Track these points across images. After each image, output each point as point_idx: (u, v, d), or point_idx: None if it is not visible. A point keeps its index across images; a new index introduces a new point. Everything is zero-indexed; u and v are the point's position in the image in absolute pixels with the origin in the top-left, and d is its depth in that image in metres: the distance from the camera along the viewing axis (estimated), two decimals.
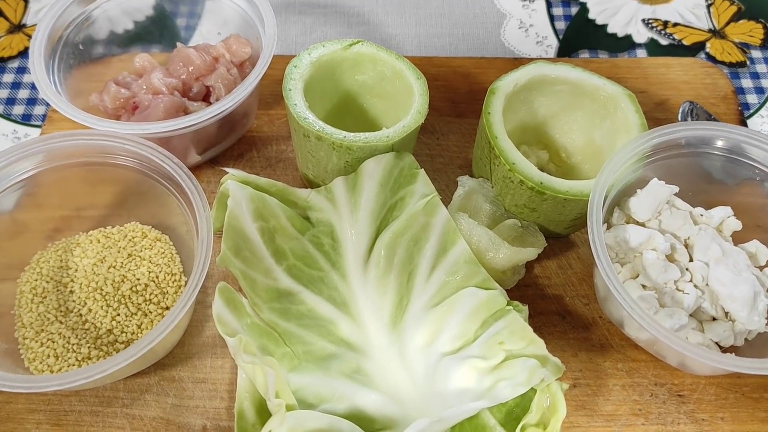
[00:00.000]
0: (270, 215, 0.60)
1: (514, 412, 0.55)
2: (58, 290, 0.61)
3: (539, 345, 0.55)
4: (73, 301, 0.61)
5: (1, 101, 0.82)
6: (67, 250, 0.64)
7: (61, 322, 0.60)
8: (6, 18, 0.89)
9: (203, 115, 0.63)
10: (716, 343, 0.59)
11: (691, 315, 0.60)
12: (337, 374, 0.56)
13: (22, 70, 0.85)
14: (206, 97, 0.71)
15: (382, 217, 0.61)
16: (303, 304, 0.59)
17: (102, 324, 0.60)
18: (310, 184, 0.69)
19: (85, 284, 0.61)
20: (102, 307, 0.60)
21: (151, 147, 0.60)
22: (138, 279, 0.62)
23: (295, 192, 0.63)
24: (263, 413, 0.54)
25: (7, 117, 0.81)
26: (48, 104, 0.81)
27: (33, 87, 0.83)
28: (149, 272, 0.62)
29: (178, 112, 0.67)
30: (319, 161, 0.64)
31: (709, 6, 0.92)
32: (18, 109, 0.81)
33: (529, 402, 0.54)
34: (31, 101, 0.82)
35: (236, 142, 0.73)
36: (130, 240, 0.65)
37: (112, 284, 0.61)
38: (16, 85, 0.83)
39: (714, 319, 0.60)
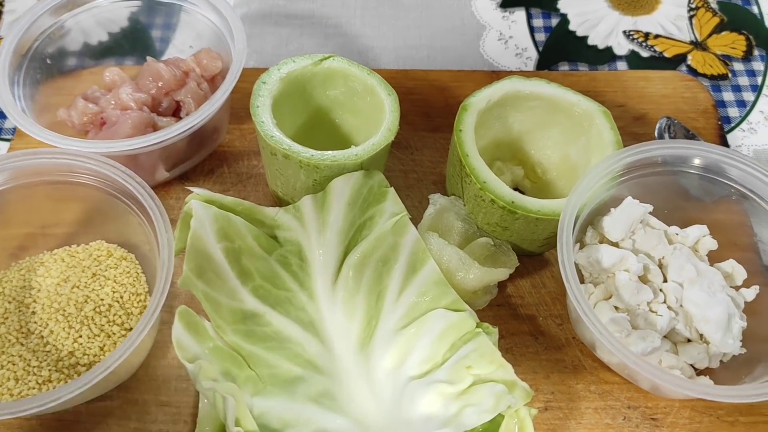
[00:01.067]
0: (235, 235, 0.59)
1: None
2: (19, 311, 0.60)
3: (507, 370, 0.54)
4: (35, 322, 0.59)
5: None
6: (30, 270, 0.62)
7: (21, 344, 0.58)
8: None
9: (170, 132, 0.62)
10: (691, 365, 0.58)
11: (665, 337, 0.59)
12: (302, 398, 0.55)
13: None
14: (176, 112, 0.70)
15: (351, 236, 0.60)
16: (269, 325, 0.57)
17: (63, 346, 0.58)
18: (280, 201, 0.68)
19: (48, 305, 0.60)
20: (64, 328, 0.59)
21: (114, 166, 0.59)
22: (102, 299, 0.61)
23: (263, 211, 0.62)
24: None
25: None
26: None
27: None
28: (113, 292, 0.61)
29: (146, 127, 0.66)
30: (287, 179, 0.63)
31: (691, 17, 0.91)
32: None
33: (497, 426, 0.53)
34: (2, 115, 0.81)
35: (207, 158, 0.72)
36: (95, 259, 0.63)
37: (75, 305, 0.60)
38: None
39: (689, 340, 0.59)
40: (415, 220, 0.60)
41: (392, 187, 0.61)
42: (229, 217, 0.59)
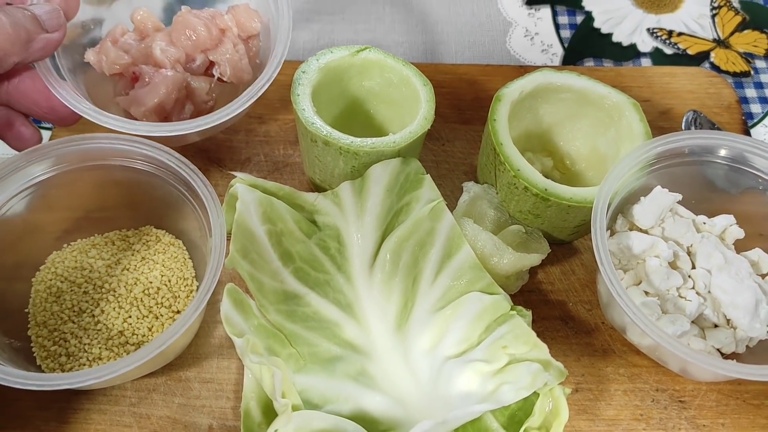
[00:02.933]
0: (277, 218, 0.61)
1: (516, 416, 0.55)
2: (72, 290, 0.62)
3: (542, 349, 0.56)
4: (86, 301, 0.61)
5: None
6: (82, 251, 0.64)
7: (74, 322, 0.60)
8: None
9: (209, 121, 0.61)
10: (718, 349, 0.60)
11: (693, 322, 0.60)
12: (341, 376, 0.57)
13: None
14: (208, 70, 0.68)
15: (388, 221, 0.62)
16: (309, 306, 0.59)
17: (114, 325, 0.60)
18: (317, 188, 0.70)
19: (99, 285, 0.62)
20: (114, 308, 0.61)
21: (168, 152, 0.60)
22: (151, 282, 0.62)
23: (302, 196, 0.64)
24: (269, 413, 0.54)
25: None
26: None
27: None
28: (162, 276, 0.63)
29: (179, 91, 0.65)
30: (326, 166, 0.65)
31: (713, 16, 0.93)
32: None
33: (532, 406, 0.55)
34: None
35: (244, 146, 0.74)
36: (144, 243, 0.65)
37: (125, 286, 0.62)
38: None
39: (716, 326, 0.61)
40: (449, 209, 0.62)
41: (428, 174, 0.63)
42: (272, 201, 0.61)
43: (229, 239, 0.59)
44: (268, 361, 0.53)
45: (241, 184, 0.61)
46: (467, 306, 0.58)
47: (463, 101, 0.78)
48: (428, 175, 0.63)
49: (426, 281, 0.60)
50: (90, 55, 0.67)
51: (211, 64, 0.68)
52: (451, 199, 0.70)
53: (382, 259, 0.60)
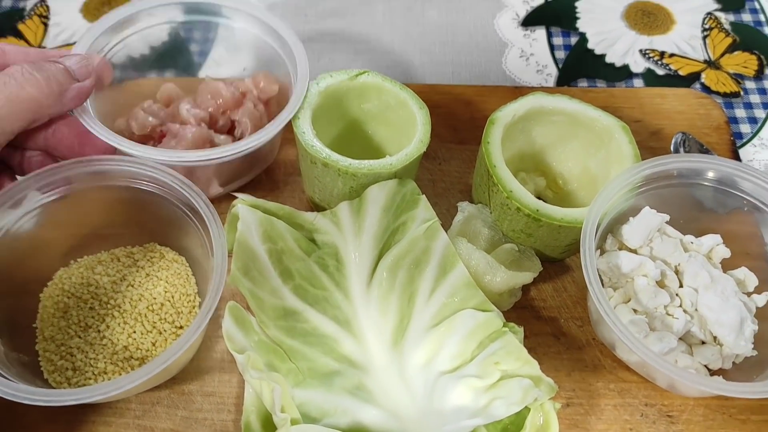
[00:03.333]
0: (278, 237, 0.63)
1: (508, 430, 0.57)
2: (78, 306, 0.64)
3: (533, 366, 0.58)
4: (93, 317, 0.63)
5: None
6: (89, 268, 0.66)
7: (80, 337, 0.62)
8: (26, 41, 0.93)
9: (235, 148, 0.64)
10: (705, 365, 0.62)
11: (680, 339, 0.62)
12: (339, 390, 0.59)
13: None
14: (230, 131, 0.73)
15: (385, 240, 0.64)
16: (307, 322, 0.61)
17: (119, 341, 0.62)
18: (316, 207, 0.72)
19: (105, 302, 0.64)
20: (119, 324, 0.63)
21: (173, 175, 0.62)
22: (154, 298, 0.64)
23: (302, 215, 0.66)
24: (268, 426, 0.56)
25: None
26: None
27: None
28: (165, 292, 0.65)
29: (205, 143, 0.68)
30: (325, 186, 0.67)
31: (704, 37, 0.95)
32: None
33: (523, 420, 0.57)
34: None
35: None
36: (149, 260, 0.67)
37: (129, 302, 0.64)
38: None
39: (703, 342, 0.63)
40: (444, 227, 0.64)
41: (424, 195, 0.65)
42: (272, 220, 0.63)
43: (230, 257, 0.61)
44: (268, 376, 0.55)
45: (243, 204, 0.63)
46: (461, 323, 0.60)
47: (459, 121, 0.80)
48: (423, 195, 0.65)
49: (421, 298, 0.62)
50: (120, 123, 0.71)
51: (233, 125, 0.72)
52: (447, 217, 0.72)
53: (379, 277, 0.62)
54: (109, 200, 0.66)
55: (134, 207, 0.65)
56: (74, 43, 0.91)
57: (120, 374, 0.61)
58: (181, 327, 0.64)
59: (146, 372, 0.53)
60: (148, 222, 0.67)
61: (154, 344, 0.63)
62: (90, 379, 0.61)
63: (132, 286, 0.65)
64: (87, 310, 0.64)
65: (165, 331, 0.63)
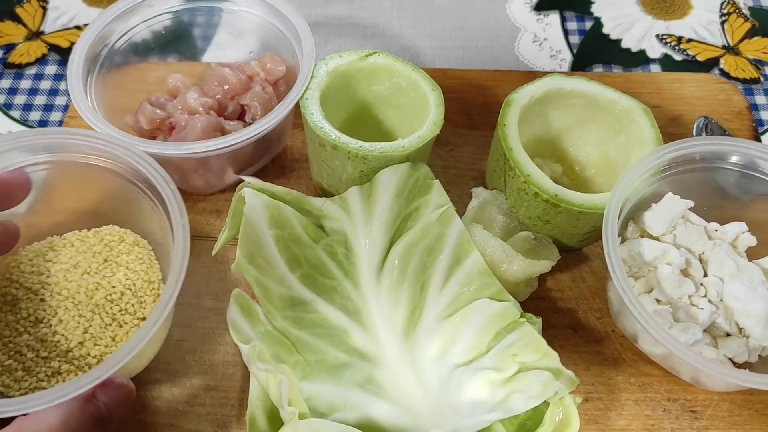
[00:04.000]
0: (285, 223, 0.61)
1: (526, 425, 0.55)
2: (28, 298, 0.58)
3: (553, 358, 0.55)
4: (44, 310, 0.57)
5: (18, 107, 0.83)
6: (39, 254, 0.60)
7: (29, 334, 0.56)
8: (24, 25, 0.90)
9: (244, 135, 0.62)
10: (730, 359, 0.59)
11: (705, 330, 0.59)
12: (349, 384, 0.56)
13: (39, 76, 0.86)
14: (241, 116, 0.71)
15: (397, 227, 0.61)
16: (316, 312, 0.59)
17: (74, 336, 0.56)
18: (325, 193, 0.69)
19: (57, 292, 0.58)
20: (74, 317, 0.57)
21: (127, 147, 0.57)
22: (113, 287, 0.59)
23: (310, 201, 0.63)
24: (274, 421, 0.54)
25: (24, 122, 0.82)
26: (64, 110, 0.82)
27: (50, 93, 0.84)
28: (126, 279, 0.60)
29: (215, 131, 0.67)
30: (334, 170, 0.64)
31: (723, 22, 0.92)
32: (35, 115, 0.82)
33: (542, 415, 0.54)
34: (48, 107, 0.83)
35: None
36: (106, 244, 0.62)
37: (85, 292, 0.58)
38: (33, 92, 0.84)
39: (728, 334, 0.60)
40: (457, 214, 0.61)
41: (437, 180, 0.62)
42: (279, 205, 0.61)
43: (235, 244, 0.58)
44: (275, 368, 0.53)
45: (249, 188, 0.60)
46: (476, 313, 0.57)
47: (471, 106, 0.78)
48: (437, 180, 0.62)
49: (434, 288, 0.59)
50: (128, 119, 0.69)
51: (243, 110, 0.70)
52: (460, 204, 0.69)
53: (390, 265, 0.60)
54: (59, 179, 0.60)
55: (89, 185, 0.61)
56: (74, 27, 0.89)
57: (77, 374, 0.55)
58: (143, 318, 0.59)
59: (101, 372, 0.47)
60: (104, 202, 0.62)
61: (113, 339, 0.57)
62: (42, 381, 0.55)
63: (88, 273, 0.59)
64: (37, 302, 0.57)
65: (126, 323, 0.58)
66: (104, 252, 0.61)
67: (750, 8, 0.93)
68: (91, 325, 0.57)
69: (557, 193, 0.60)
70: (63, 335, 0.56)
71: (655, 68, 0.87)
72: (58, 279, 0.59)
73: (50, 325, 0.57)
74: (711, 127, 0.73)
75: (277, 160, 0.73)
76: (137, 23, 0.73)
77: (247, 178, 0.61)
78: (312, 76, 0.64)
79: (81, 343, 0.57)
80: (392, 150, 0.61)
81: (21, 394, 0.55)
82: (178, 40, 0.78)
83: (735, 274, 0.60)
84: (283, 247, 0.60)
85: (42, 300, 0.58)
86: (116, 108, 0.70)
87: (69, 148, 0.58)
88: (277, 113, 0.63)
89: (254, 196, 0.60)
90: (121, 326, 0.58)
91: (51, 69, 0.86)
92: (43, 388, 0.55)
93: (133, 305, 0.59)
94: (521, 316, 0.57)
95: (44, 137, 0.58)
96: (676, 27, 0.91)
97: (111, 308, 0.58)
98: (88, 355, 0.56)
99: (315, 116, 0.62)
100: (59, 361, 0.56)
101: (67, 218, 0.64)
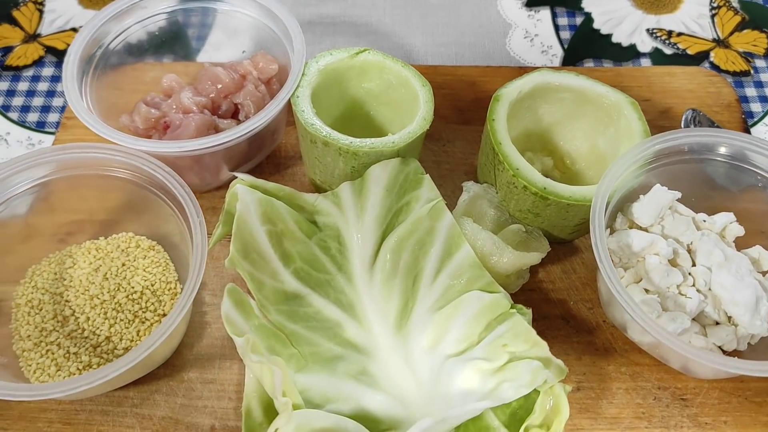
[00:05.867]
0: (278, 219, 0.61)
1: (517, 414, 0.55)
2: (54, 300, 0.62)
3: (543, 347, 0.56)
4: (71, 308, 0.61)
5: (15, 109, 0.84)
6: (60, 263, 0.64)
7: (58, 332, 0.60)
8: (21, 28, 0.91)
9: (237, 132, 0.63)
10: (719, 347, 0.60)
11: (693, 319, 0.60)
12: (343, 375, 0.57)
13: (36, 78, 0.87)
14: (235, 114, 0.72)
15: (388, 221, 0.62)
16: (310, 306, 0.60)
17: (101, 332, 0.60)
18: (318, 189, 0.70)
19: (81, 292, 0.62)
20: (99, 314, 0.61)
21: (143, 157, 0.61)
22: (133, 287, 0.63)
23: (303, 197, 0.64)
24: (270, 412, 0.54)
25: (22, 124, 0.83)
26: (61, 112, 0.83)
27: (47, 95, 0.85)
28: (144, 280, 0.63)
29: (209, 130, 0.68)
30: (326, 166, 0.65)
31: (713, 16, 0.93)
32: (32, 117, 0.83)
33: (533, 404, 0.55)
34: (45, 109, 0.84)
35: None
36: (122, 250, 0.65)
37: (108, 292, 0.62)
38: (30, 93, 0.85)
39: (717, 323, 0.61)
40: (449, 208, 0.62)
41: (428, 174, 0.63)
42: (272, 201, 0.62)
43: (228, 240, 0.59)
44: (268, 360, 0.54)
45: (242, 184, 0.61)
46: (467, 305, 0.58)
47: (462, 102, 0.79)
48: (427, 174, 0.63)
49: (426, 280, 0.60)
50: (124, 119, 0.70)
51: (237, 108, 0.72)
52: (452, 199, 0.70)
53: (383, 259, 0.61)
54: (80, 189, 0.64)
55: (106, 195, 0.64)
56: (70, 29, 0.90)
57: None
58: (164, 315, 0.62)
59: (128, 361, 0.51)
60: (121, 210, 0.66)
61: (138, 333, 0.61)
62: (74, 374, 0.59)
63: (107, 277, 0.63)
64: (63, 303, 0.62)
65: (148, 320, 0.62)
66: (122, 257, 0.65)
67: (740, 1, 0.94)
68: (116, 322, 0.61)
69: (546, 186, 0.61)
70: (91, 331, 0.60)
71: (645, 62, 0.88)
72: (81, 281, 0.63)
73: (78, 324, 0.61)
74: (699, 119, 0.74)
75: (271, 157, 0.74)
76: (132, 24, 0.74)
77: (241, 175, 0.62)
78: (303, 74, 0.65)
79: (108, 338, 0.60)
80: (382, 146, 0.62)
81: None
82: (172, 41, 0.79)
83: (723, 263, 0.60)
84: (276, 242, 0.61)
85: (67, 301, 0.62)
86: (112, 108, 0.71)
87: (90, 162, 0.62)
88: (268, 111, 0.64)
89: (247, 193, 0.60)
90: (143, 322, 0.62)
91: (48, 71, 0.87)
92: None
93: (152, 303, 0.62)
94: (511, 307, 0.58)
95: (63, 153, 0.61)
96: (667, 21, 0.92)
97: (132, 306, 0.62)
98: (116, 348, 0.60)
99: (306, 113, 0.63)
100: (89, 355, 0.59)
101: (84, 227, 0.67)
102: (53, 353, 0.60)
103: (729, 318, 0.60)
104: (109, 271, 0.63)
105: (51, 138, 0.80)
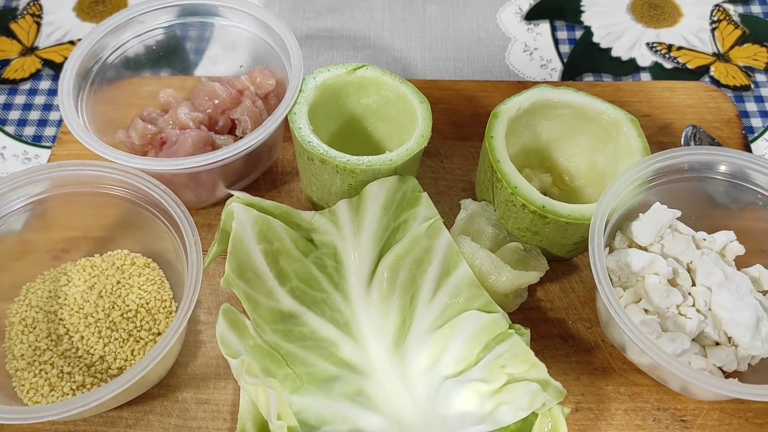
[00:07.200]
0: (274, 237, 0.61)
1: None
2: (48, 319, 0.61)
3: (541, 369, 0.55)
4: (65, 327, 0.61)
5: (12, 122, 0.83)
6: (54, 281, 0.64)
7: (52, 351, 0.60)
8: (19, 41, 0.91)
9: (233, 149, 0.63)
10: (719, 368, 0.59)
11: (693, 340, 0.59)
12: (339, 396, 0.56)
13: (33, 91, 0.86)
14: (232, 130, 0.71)
15: (385, 239, 0.62)
16: (305, 325, 0.59)
17: (95, 351, 0.60)
18: (314, 206, 0.69)
19: (75, 311, 0.61)
20: (94, 333, 0.60)
21: (139, 175, 0.60)
22: (128, 306, 0.62)
23: (299, 214, 0.64)
24: None
25: (18, 138, 0.82)
26: (58, 125, 0.83)
27: (44, 108, 0.85)
28: (139, 299, 0.63)
29: (205, 146, 0.67)
30: (323, 184, 0.64)
31: (713, 30, 0.92)
32: (29, 131, 0.83)
33: (531, 426, 0.54)
34: (42, 122, 0.83)
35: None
36: (117, 268, 0.65)
37: (102, 311, 0.61)
38: (27, 107, 0.85)
39: (717, 344, 0.60)
40: (446, 226, 0.62)
41: (425, 192, 0.63)
42: (268, 219, 0.61)
43: (224, 258, 0.59)
44: (263, 382, 0.53)
45: (238, 203, 0.61)
46: (465, 325, 0.58)
47: (461, 117, 0.78)
48: (425, 192, 0.63)
49: (424, 299, 0.59)
50: (120, 135, 0.70)
51: (234, 124, 0.71)
52: (450, 216, 0.70)
53: (380, 277, 0.60)
54: (75, 207, 0.64)
55: (102, 213, 0.64)
56: (68, 42, 0.90)
57: (99, 386, 0.57)
58: (159, 333, 0.62)
59: (123, 382, 0.51)
60: (117, 228, 0.65)
61: (132, 353, 0.60)
62: (68, 394, 0.58)
63: (102, 296, 0.62)
64: (57, 322, 0.61)
65: (142, 339, 0.61)
66: (116, 275, 0.64)
67: (740, 15, 0.94)
68: (110, 341, 0.60)
69: (544, 205, 0.60)
70: (85, 350, 0.60)
71: (645, 77, 0.87)
72: (75, 299, 0.62)
73: (71, 342, 0.60)
74: (699, 136, 0.73)
75: (268, 173, 0.74)
76: (130, 38, 0.74)
77: (237, 193, 0.62)
78: (300, 91, 0.65)
79: (102, 357, 0.60)
80: (380, 163, 0.61)
81: None
82: (170, 55, 0.79)
83: (723, 283, 0.60)
84: (272, 261, 0.60)
85: (61, 320, 0.61)
86: (109, 123, 0.71)
87: (85, 179, 0.62)
88: (265, 128, 0.64)
89: (243, 211, 0.60)
90: (137, 341, 0.61)
91: (45, 84, 0.87)
92: None
93: (147, 322, 0.62)
94: (509, 328, 0.58)
95: (59, 170, 0.61)
96: (667, 35, 0.92)
97: (127, 325, 0.61)
98: (110, 368, 0.59)
99: (303, 130, 0.62)
100: (83, 375, 0.59)
101: (79, 244, 0.67)
102: (47, 373, 0.59)
103: (729, 339, 0.60)
104: (104, 289, 0.63)
105: (47, 152, 0.80)
